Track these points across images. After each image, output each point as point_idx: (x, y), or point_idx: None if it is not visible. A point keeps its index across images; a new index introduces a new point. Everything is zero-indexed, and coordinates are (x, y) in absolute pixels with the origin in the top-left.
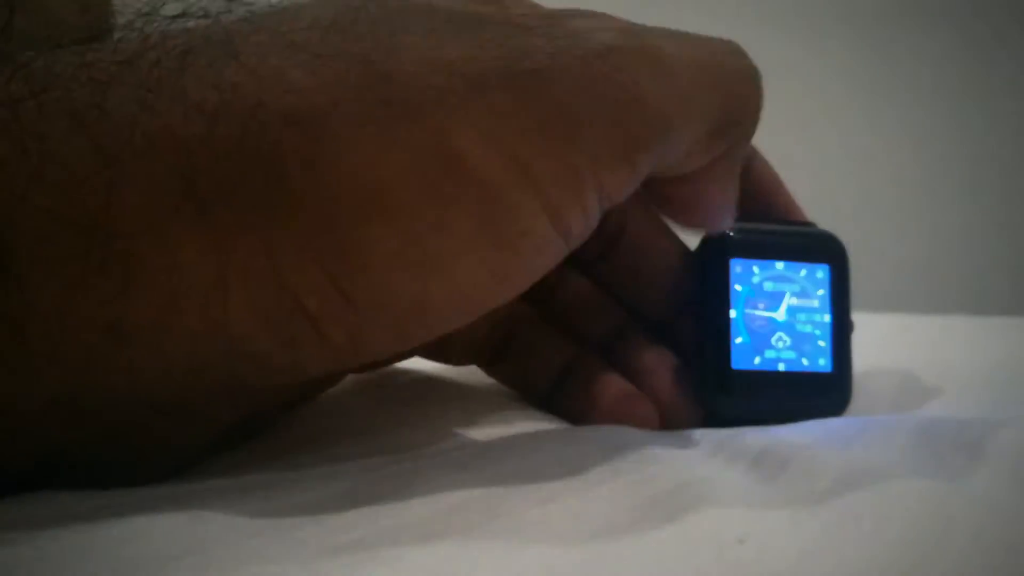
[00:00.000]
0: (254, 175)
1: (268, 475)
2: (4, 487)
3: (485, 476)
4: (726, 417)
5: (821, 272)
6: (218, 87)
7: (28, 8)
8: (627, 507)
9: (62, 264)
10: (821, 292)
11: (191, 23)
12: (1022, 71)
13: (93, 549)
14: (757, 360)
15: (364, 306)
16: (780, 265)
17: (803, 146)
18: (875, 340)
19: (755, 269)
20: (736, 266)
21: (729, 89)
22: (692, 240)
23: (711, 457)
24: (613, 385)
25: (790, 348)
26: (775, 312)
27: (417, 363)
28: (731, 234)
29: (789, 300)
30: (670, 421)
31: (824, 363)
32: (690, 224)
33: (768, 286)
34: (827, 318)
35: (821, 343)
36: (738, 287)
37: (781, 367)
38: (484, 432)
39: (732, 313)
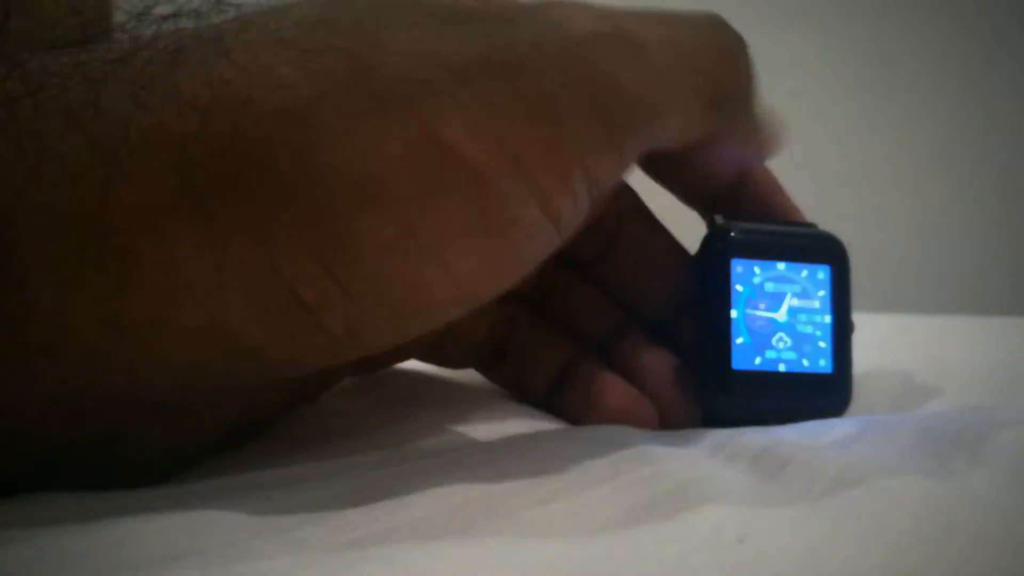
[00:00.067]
0: (248, 169)
1: (268, 475)
2: (4, 488)
3: (484, 476)
4: (726, 417)
5: (822, 273)
6: (210, 84)
7: (23, 11)
8: (626, 507)
9: (60, 261)
10: (822, 293)
11: (182, 23)
12: (1022, 70)
13: (93, 550)
14: (758, 360)
15: (360, 296)
16: (781, 266)
17: (802, 147)
18: (875, 340)
19: (756, 269)
20: (737, 266)
21: (712, 66)
22: (692, 241)
23: (711, 457)
24: (612, 385)
25: (791, 349)
26: (776, 313)
27: (416, 364)
28: (732, 234)
29: (790, 301)
30: (670, 421)
31: (824, 364)
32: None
33: (769, 287)
34: (828, 319)
35: (822, 344)
36: (739, 287)
37: (781, 367)
38: (483, 433)
39: (733, 313)
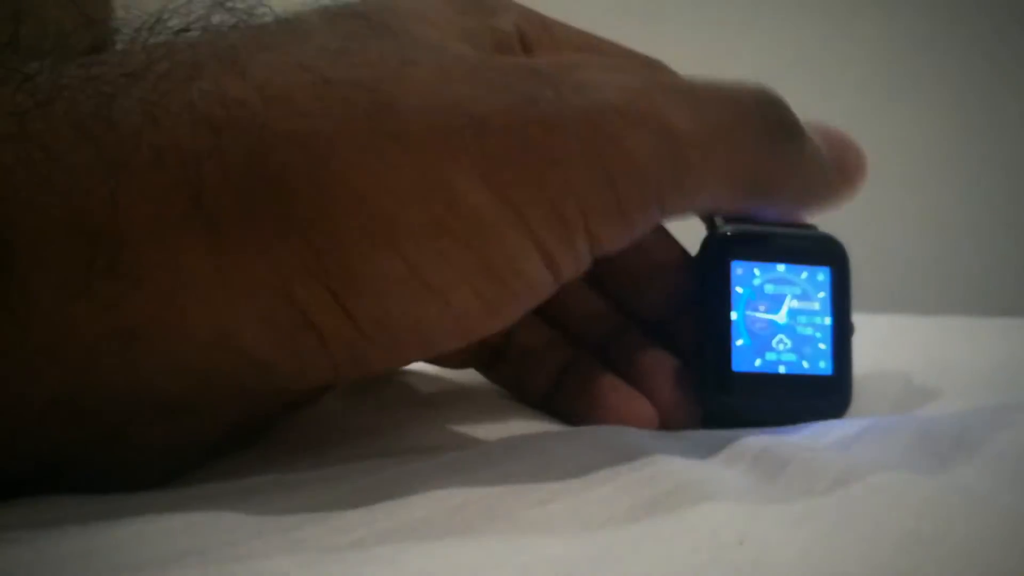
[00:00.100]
0: (261, 194)
1: (268, 477)
2: (4, 489)
3: (484, 477)
4: (726, 419)
5: (822, 275)
6: (224, 104)
7: (33, 21)
8: (626, 508)
9: (66, 268)
10: (822, 295)
11: (196, 38)
12: (1023, 70)
13: (94, 551)
14: (758, 362)
15: (365, 325)
16: (781, 267)
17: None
18: (875, 341)
19: (756, 271)
20: (737, 268)
21: (747, 153)
22: (692, 242)
23: (710, 458)
24: (612, 386)
25: (791, 350)
26: (776, 314)
27: (416, 366)
28: (732, 236)
29: (790, 302)
30: (669, 422)
31: (825, 366)
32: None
33: (769, 288)
34: (828, 321)
35: (822, 346)
36: (739, 289)
37: (781, 369)
38: (483, 433)
39: (733, 315)
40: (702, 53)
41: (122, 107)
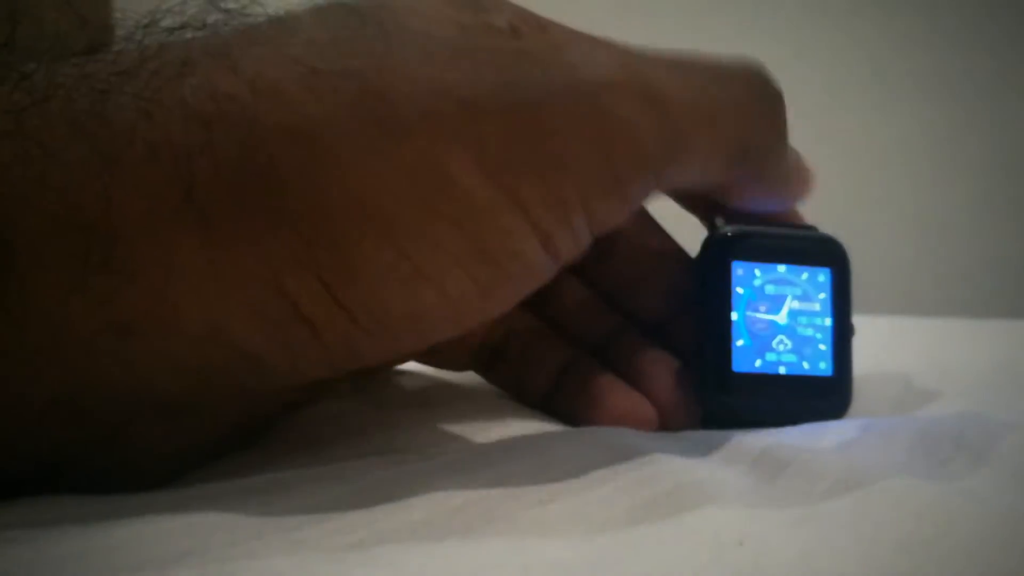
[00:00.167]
0: (252, 185)
1: (268, 478)
2: (5, 490)
3: (484, 478)
4: (726, 419)
5: (823, 276)
6: (215, 98)
7: (30, 22)
8: (626, 508)
9: (63, 264)
10: (822, 295)
11: (190, 34)
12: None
13: (93, 552)
14: (758, 363)
15: (358, 315)
16: (782, 268)
17: (801, 148)
18: (875, 343)
19: (757, 272)
20: (738, 268)
21: (738, 118)
22: (692, 243)
23: (710, 458)
24: (611, 387)
25: (791, 351)
26: (776, 315)
27: (415, 367)
28: (733, 237)
29: (790, 303)
30: (669, 422)
31: (825, 367)
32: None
33: (770, 289)
34: (828, 322)
35: (822, 347)
36: (740, 289)
37: (782, 370)
38: (482, 434)
39: (733, 315)
40: (703, 49)
41: (116, 104)
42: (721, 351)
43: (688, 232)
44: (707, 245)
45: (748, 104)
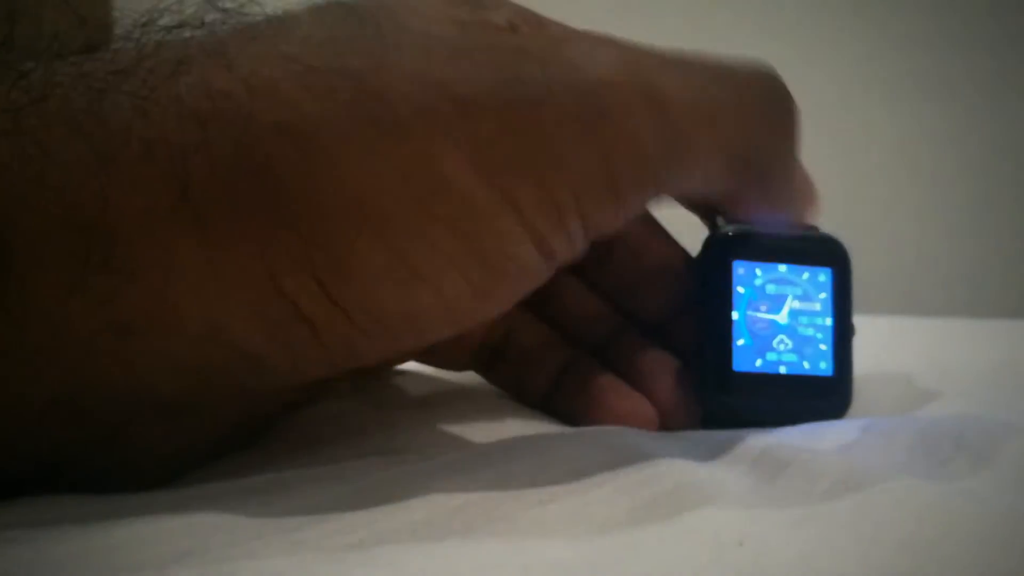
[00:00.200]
0: (248, 184)
1: (268, 478)
2: (5, 490)
3: (484, 478)
4: (726, 419)
5: (823, 275)
6: (210, 96)
7: (28, 21)
8: (626, 508)
9: (61, 263)
10: (823, 295)
11: (187, 33)
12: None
13: (93, 552)
14: (758, 362)
15: (355, 315)
16: (783, 268)
17: (802, 147)
18: (876, 343)
19: (757, 271)
20: (739, 268)
21: (743, 123)
22: (693, 243)
23: (710, 459)
24: (611, 387)
25: (791, 351)
26: (777, 315)
27: (415, 367)
28: (733, 236)
29: (791, 303)
30: (669, 422)
31: (825, 366)
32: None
33: (770, 288)
34: (829, 321)
35: (822, 346)
36: (740, 289)
37: (782, 370)
38: (482, 434)
39: (734, 315)
40: (703, 50)
41: (113, 102)
42: (721, 351)
43: (688, 232)
44: (708, 244)
45: (751, 107)
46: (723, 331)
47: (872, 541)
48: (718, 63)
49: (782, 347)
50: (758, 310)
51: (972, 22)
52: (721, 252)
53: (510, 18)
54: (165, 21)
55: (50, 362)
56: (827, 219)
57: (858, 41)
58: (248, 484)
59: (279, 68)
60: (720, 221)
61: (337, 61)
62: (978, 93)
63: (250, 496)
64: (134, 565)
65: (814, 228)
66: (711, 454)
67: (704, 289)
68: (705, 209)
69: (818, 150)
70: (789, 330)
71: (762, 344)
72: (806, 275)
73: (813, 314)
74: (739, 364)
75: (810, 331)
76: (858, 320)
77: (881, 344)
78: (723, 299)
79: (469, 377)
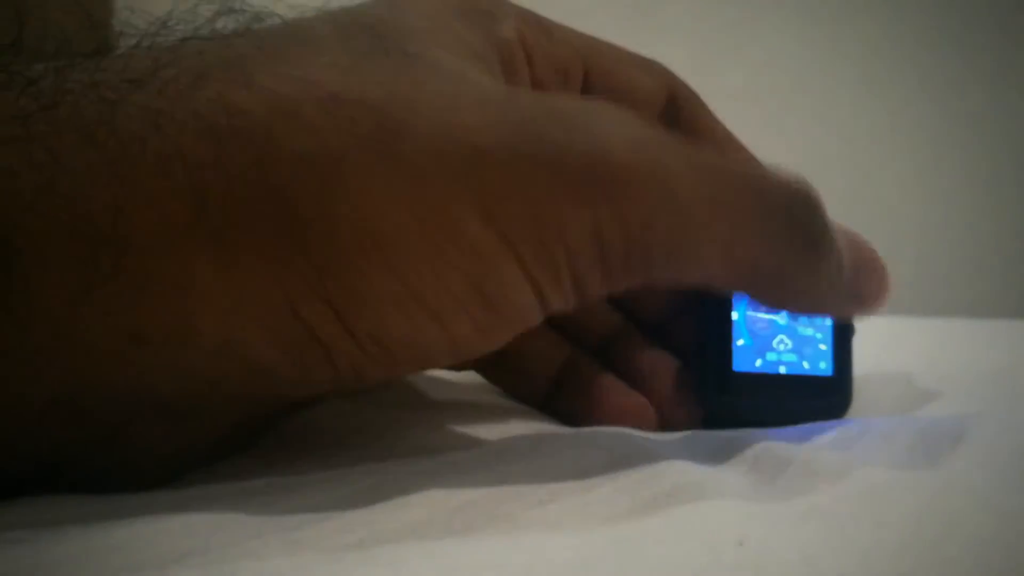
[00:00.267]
0: (266, 207)
1: (268, 478)
2: (4, 490)
3: (484, 478)
4: (726, 419)
5: None
6: (229, 113)
7: (35, 21)
8: (626, 508)
9: (69, 269)
10: None
11: (203, 45)
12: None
13: (93, 552)
14: (758, 362)
15: (364, 342)
16: None
17: (802, 147)
18: (876, 343)
19: None
20: None
21: (754, 235)
22: None
23: (710, 458)
24: (611, 387)
25: (791, 351)
26: (776, 314)
27: None
28: None
29: None
30: (669, 422)
31: (825, 366)
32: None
33: None
34: (828, 321)
35: (822, 346)
36: None
37: (782, 370)
38: (483, 434)
39: (734, 315)
40: (703, 50)
41: (126, 113)
42: (721, 351)
43: None
44: None
45: (777, 232)
46: (723, 331)
47: (872, 541)
48: (748, 169)
49: (782, 347)
50: (758, 310)
51: (973, 21)
52: None
53: (517, 26)
54: (180, 29)
55: (51, 363)
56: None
57: (859, 39)
58: (248, 484)
59: (301, 91)
60: None
61: (360, 91)
62: (979, 92)
63: (250, 496)
64: (134, 565)
65: None
66: (711, 454)
67: (703, 289)
68: None
69: (818, 149)
70: (789, 330)
71: (762, 344)
72: None
73: None
74: (739, 364)
75: (810, 331)
76: (857, 320)
77: (881, 344)
78: (723, 299)
79: (469, 377)
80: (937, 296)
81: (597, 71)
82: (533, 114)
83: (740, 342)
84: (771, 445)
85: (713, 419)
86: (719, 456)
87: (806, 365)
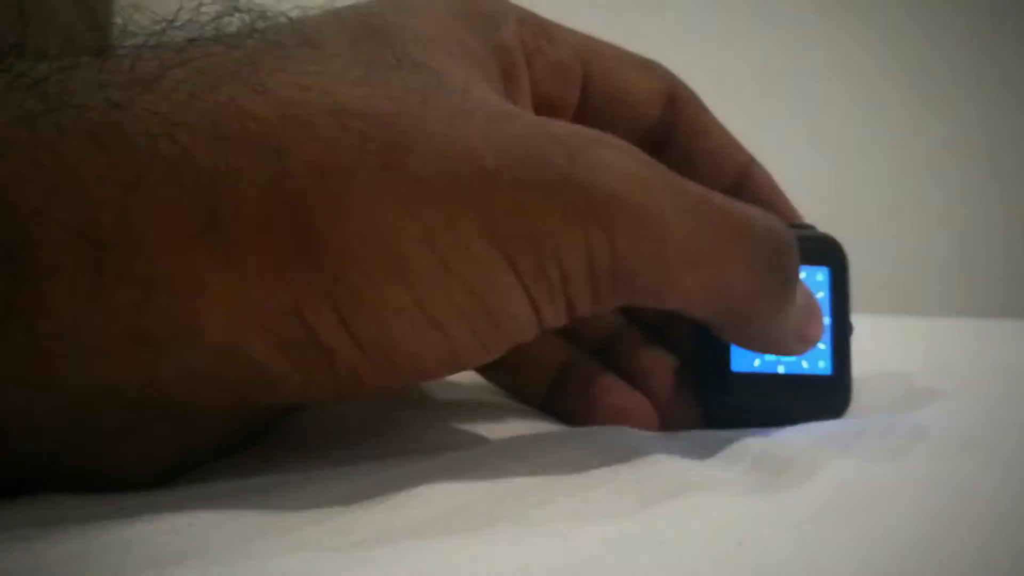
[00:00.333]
0: (279, 217)
1: (268, 478)
2: (5, 490)
3: (484, 478)
4: (725, 419)
5: (821, 275)
6: (241, 119)
7: (38, 20)
8: (626, 508)
9: (76, 271)
10: (821, 294)
11: (211, 46)
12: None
13: (93, 552)
14: (757, 362)
15: (368, 350)
16: None
17: (801, 147)
18: (875, 343)
19: None
20: None
21: (733, 291)
22: None
23: (710, 458)
24: (611, 386)
25: None
26: None
27: None
28: None
29: None
30: (669, 422)
31: (824, 366)
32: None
33: None
34: (827, 320)
35: (821, 346)
36: None
37: (781, 369)
38: (483, 434)
39: None
40: (704, 50)
41: (134, 116)
42: (720, 350)
43: None
44: None
45: (753, 271)
46: None
47: (873, 541)
48: (734, 211)
49: None
50: None
51: (973, 21)
52: None
53: (517, 30)
54: (184, 30)
55: (59, 364)
56: (826, 218)
57: (858, 40)
58: (248, 483)
59: (314, 101)
60: None
61: (372, 105)
62: (979, 93)
63: (251, 496)
64: (134, 565)
65: (811, 227)
66: (711, 454)
67: None
68: None
69: (817, 149)
70: None
71: None
72: (803, 274)
73: None
74: (738, 364)
75: None
76: (858, 320)
77: (881, 344)
78: None
79: (469, 377)
80: (937, 296)
81: (597, 72)
82: (537, 140)
83: None
84: (771, 445)
85: (713, 419)
86: (719, 456)
87: (805, 364)
